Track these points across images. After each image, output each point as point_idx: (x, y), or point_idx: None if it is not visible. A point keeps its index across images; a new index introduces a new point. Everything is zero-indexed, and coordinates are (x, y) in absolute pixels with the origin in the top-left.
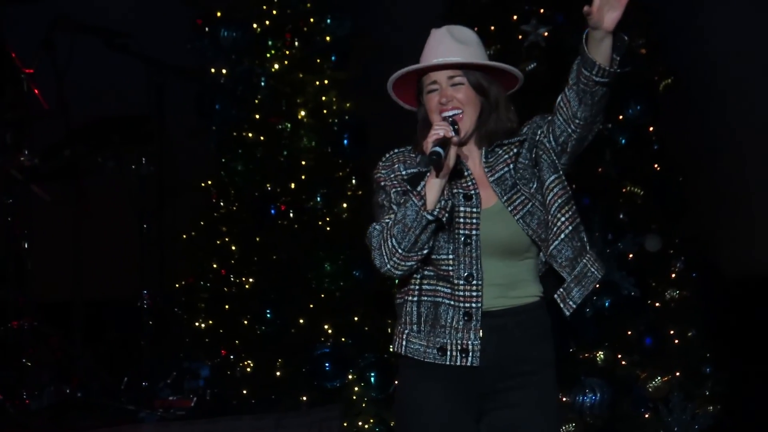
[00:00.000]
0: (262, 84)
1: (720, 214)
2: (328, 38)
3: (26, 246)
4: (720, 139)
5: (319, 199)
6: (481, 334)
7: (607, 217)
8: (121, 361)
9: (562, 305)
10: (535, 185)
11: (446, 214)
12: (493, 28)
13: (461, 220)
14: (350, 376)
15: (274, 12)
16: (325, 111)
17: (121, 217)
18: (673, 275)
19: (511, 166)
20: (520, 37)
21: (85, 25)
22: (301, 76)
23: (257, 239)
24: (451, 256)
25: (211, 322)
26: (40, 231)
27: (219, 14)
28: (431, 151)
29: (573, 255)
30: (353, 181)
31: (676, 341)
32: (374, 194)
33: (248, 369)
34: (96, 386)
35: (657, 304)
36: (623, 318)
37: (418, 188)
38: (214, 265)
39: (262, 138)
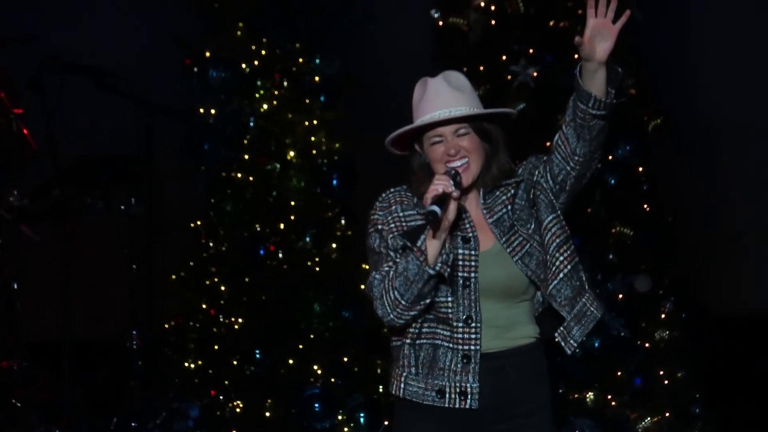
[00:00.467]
0: (251, 124)
1: (709, 255)
2: (317, 78)
3: (15, 286)
4: (709, 179)
5: (308, 239)
6: (478, 376)
7: (597, 258)
8: (111, 402)
9: (563, 343)
10: (532, 226)
11: (448, 269)
12: (482, 68)
13: (460, 262)
14: (340, 417)
15: (263, 52)
16: (314, 151)
17: (110, 257)
18: (663, 316)
19: (509, 207)
20: (509, 77)
21: (74, 65)
22: (290, 116)
23: (246, 279)
24: (450, 299)
25: (200, 362)
26: (29, 271)
27: (208, 54)
28: (428, 211)
29: (572, 294)
30: (342, 222)
31: (666, 382)
32: (368, 237)
33: (238, 409)
34: (85, 427)
35: (647, 345)
36: (613, 358)
37: (418, 243)
38: (204, 305)
39: (251, 178)
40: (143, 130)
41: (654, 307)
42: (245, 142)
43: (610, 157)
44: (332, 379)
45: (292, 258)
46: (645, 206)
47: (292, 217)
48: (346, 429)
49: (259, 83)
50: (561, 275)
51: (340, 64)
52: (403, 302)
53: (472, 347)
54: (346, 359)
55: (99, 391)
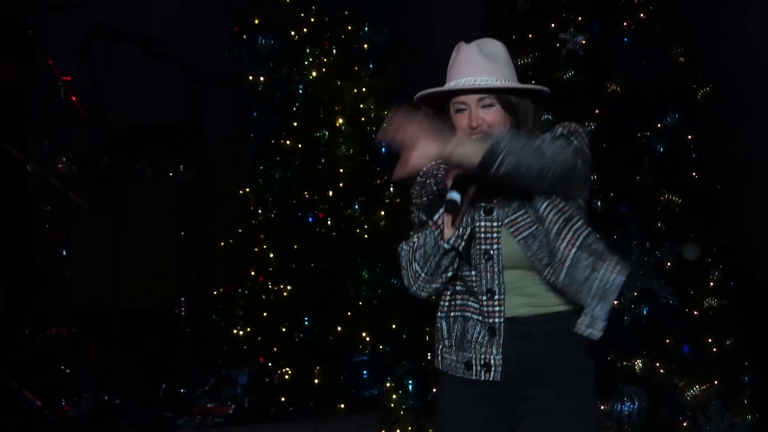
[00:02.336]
0: (300, 92)
1: (758, 223)
2: (365, 46)
3: (64, 254)
4: (759, 147)
5: (356, 206)
6: (502, 349)
7: (645, 226)
8: (159, 369)
9: (590, 331)
10: (531, 216)
11: (463, 242)
12: (530, 36)
13: (482, 235)
14: (388, 384)
15: (312, 20)
16: (362, 119)
17: (158, 225)
18: (711, 284)
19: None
20: (557, 45)
21: (123, 32)
22: (338, 83)
23: (295, 247)
24: (473, 272)
25: (249, 329)
26: (77, 238)
27: (256, 22)
28: (447, 199)
29: (587, 274)
30: (391, 189)
31: (714, 350)
32: (410, 212)
33: (286, 376)
34: (134, 394)
35: (695, 313)
36: (661, 326)
37: (435, 217)
38: (252, 273)
39: (299, 146)
40: (191, 97)
41: (702, 275)
42: (294, 109)
43: (659, 125)
44: (380, 347)
45: (341, 225)
46: (693, 174)
47: (341, 185)
48: (394, 396)
49: (307, 51)
50: (568, 263)
51: (389, 32)
52: (422, 275)
53: (496, 320)
54: (394, 327)
55: (147, 359)
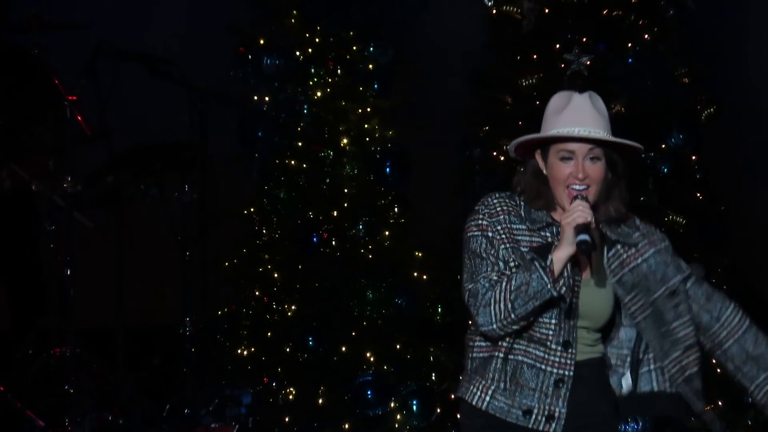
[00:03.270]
0: (305, 111)
1: (762, 243)
2: (370, 66)
3: (68, 273)
4: (762, 168)
5: (361, 226)
6: (567, 402)
7: None
8: (163, 388)
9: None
10: (654, 295)
11: (571, 293)
12: (535, 56)
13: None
14: (392, 404)
15: (317, 40)
16: (367, 139)
17: (163, 244)
18: None
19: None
20: (562, 65)
21: (129, 51)
22: (343, 103)
23: (299, 267)
24: (554, 321)
25: (253, 349)
26: (82, 258)
27: (262, 42)
28: (580, 240)
29: (690, 375)
30: (395, 209)
31: (718, 370)
32: (472, 240)
33: (290, 396)
34: (138, 413)
35: None
36: None
37: (547, 262)
38: (257, 293)
39: (304, 165)
40: (197, 117)
41: None
42: (299, 129)
43: (663, 146)
44: (385, 367)
45: (345, 245)
46: (698, 195)
47: (346, 205)
48: (398, 416)
49: (312, 71)
50: (687, 366)
51: (394, 52)
52: (513, 316)
53: (567, 372)
54: (398, 346)
55: (151, 378)
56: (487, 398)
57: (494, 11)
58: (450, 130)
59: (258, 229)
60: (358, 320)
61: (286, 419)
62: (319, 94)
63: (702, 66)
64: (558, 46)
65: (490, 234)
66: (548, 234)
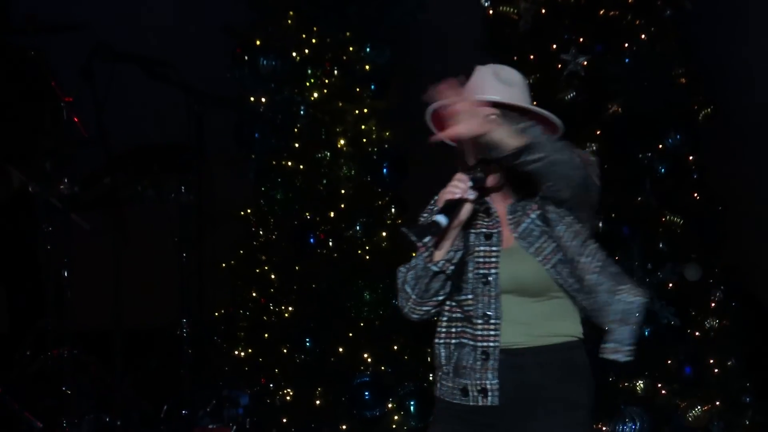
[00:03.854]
0: (302, 113)
1: (760, 244)
2: (367, 67)
3: (66, 274)
4: (760, 168)
5: (358, 227)
6: (498, 373)
7: (647, 247)
8: (161, 390)
9: (616, 356)
10: (551, 243)
11: (451, 266)
12: (532, 57)
13: (481, 259)
14: (390, 405)
15: (314, 41)
16: (364, 140)
17: (160, 246)
18: (713, 305)
19: (533, 216)
20: (559, 66)
21: (125, 53)
22: (340, 104)
23: (296, 268)
24: (470, 296)
25: (250, 350)
26: (79, 259)
27: (258, 43)
28: (431, 221)
29: (607, 297)
30: (392, 210)
31: (716, 370)
32: None
33: (288, 397)
34: (135, 415)
35: (697, 334)
36: (663, 347)
37: (425, 239)
38: (254, 294)
39: (301, 167)
40: (193, 118)
41: (704, 296)
42: (295, 130)
43: (661, 146)
44: (382, 368)
45: (342, 246)
46: (695, 195)
47: (342, 206)
48: (396, 417)
49: (309, 72)
50: (588, 286)
51: (391, 53)
52: (413, 297)
53: (491, 344)
54: (396, 348)
55: (149, 380)
56: (440, 385)
57: (491, 11)
58: None
59: (255, 231)
60: (355, 321)
61: (284, 420)
62: (315, 95)
63: (699, 67)
64: (555, 46)
65: (422, 217)
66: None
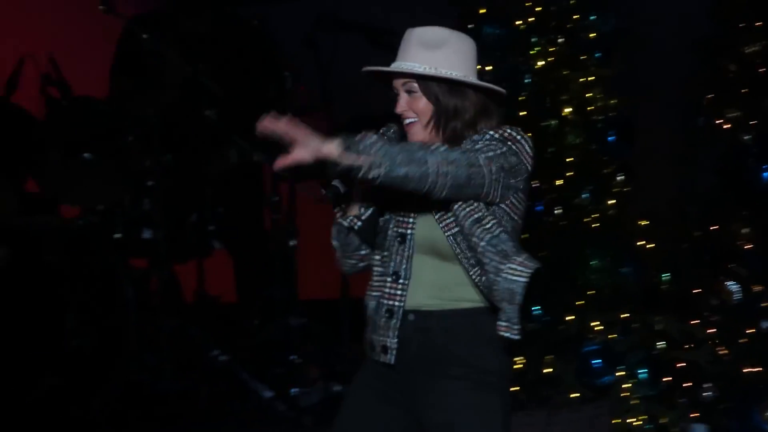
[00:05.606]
0: (527, 81)
1: None
2: (592, 35)
3: (293, 244)
4: None
5: (585, 195)
6: (398, 333)
7: None
8: None
9: (507, 334)
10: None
11: (359, 222)
12: (758, 23)
13: (400, 218)
14: (620, 373)
15: (538, 9)
16: (589, 108)
17: None
18: None
19: None
20: None
21: (349, 22)
22: (565, 72)
23: (524, 236)
24: (385, 254)
25: None
26: (306, 229)
27: (482, 12)
28: (331, 185)
29: (493, 277)
30: (618, 178)
31: None
32: None
33: (519, 365)
34: None
35: None
36: None
37: (329, 196)
38: None
39: (528, 135)
40: None
41: None
42: (521, 99)
43: None
44: (611, 336)
45: (570, 214)
46: None
47: (569, 174)
48: (625, 386)
49: (534, 40)
50: (476, 258)
51: (615, 20)
52: (337, 251)
53: (396, 303)
54: (625, 316)
55: None
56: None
57: None
58: (672, 99)
59: None
60: (583, 289)
61: (517, 388)
62: (540, 63)
63: None
64: None
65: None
66: None
